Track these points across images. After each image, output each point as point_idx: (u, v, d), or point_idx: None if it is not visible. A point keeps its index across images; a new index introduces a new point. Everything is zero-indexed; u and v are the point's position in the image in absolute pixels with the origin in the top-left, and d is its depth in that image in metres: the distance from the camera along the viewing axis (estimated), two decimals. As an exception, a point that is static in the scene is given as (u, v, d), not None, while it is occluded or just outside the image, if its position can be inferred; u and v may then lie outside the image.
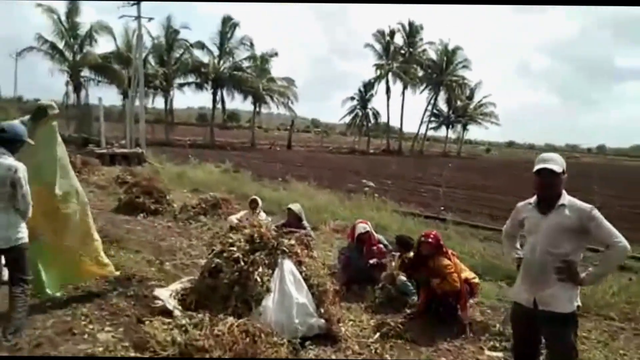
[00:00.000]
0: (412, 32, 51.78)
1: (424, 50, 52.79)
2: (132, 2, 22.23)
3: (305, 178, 15.48)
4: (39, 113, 4.51)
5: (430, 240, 4.95)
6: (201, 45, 40.13)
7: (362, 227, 6.09)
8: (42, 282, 4.68)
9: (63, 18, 33.33)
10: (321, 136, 65.58)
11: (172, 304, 4.41)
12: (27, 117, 4.51)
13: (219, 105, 43.58)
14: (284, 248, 4.34)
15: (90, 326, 4.41)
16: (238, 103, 47.17)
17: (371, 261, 5.86)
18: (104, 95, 43.29)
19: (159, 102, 42.10)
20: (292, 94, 45.04)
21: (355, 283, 5.81)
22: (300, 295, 4.21)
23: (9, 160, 3.71)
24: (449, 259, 4.96)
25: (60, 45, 33.74)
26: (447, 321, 4.94)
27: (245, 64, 42.32)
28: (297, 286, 4.25)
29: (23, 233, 3.88)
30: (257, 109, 45.19)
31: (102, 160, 17.38)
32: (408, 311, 5.11)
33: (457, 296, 4.87)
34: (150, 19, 25.89)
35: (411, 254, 5.36)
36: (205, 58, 40.94)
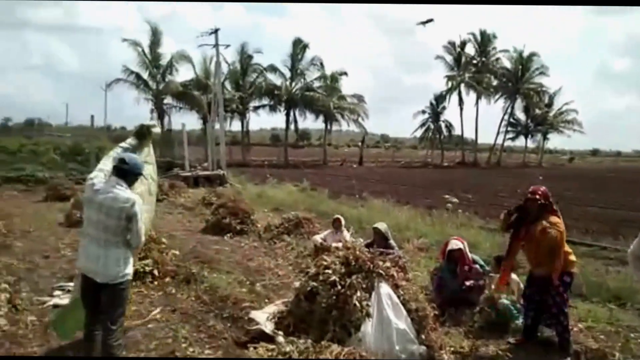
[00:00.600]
0: (484, 41, 50.29)
1: (498, 58, 51.03)
2: (210, 31, 23.40)
3: (381, 194, 15.30)
4: (142, 133, 4.45)
5: (537, 196, 4.45)
6: (274, 69, 41.35)
7: (455, 243, 5.81)
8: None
9: (147, 50, 35.75)
10: (392, 151, 64.92)
11: (269, 327, 4.42)
12: (129, 139, 4.38)
13: (291, 125, 44.52)
14: (380, 271, 4.22)
15: (191, 349, 4.51)
16: (308, 122, 47.86)
17: (467, 283, 5.58)
18: (184, 120, 45.52)
19: (235, 125, 43.77)
20: (362, 110, 45.14)
21: (451, 306, 5.55)
22: (399, 321, 4.06)
23: (127, 192, 3.55)
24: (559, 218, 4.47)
25: (145, 75, 36.17)
26: (557, 347, 4.58)
27: (316, 83, 43.03)
28: (396, 311, 4.11)
29: (130, 269, 3.70)
30: (329, 127, 45.67)
31: (187, 183, 18.17)
32: (512, 340, 4.79)
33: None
34: (227, 46, 27.12)
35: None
36: (278, 80, 42.14)
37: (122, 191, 3.53)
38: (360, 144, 54.44)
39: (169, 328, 4.95)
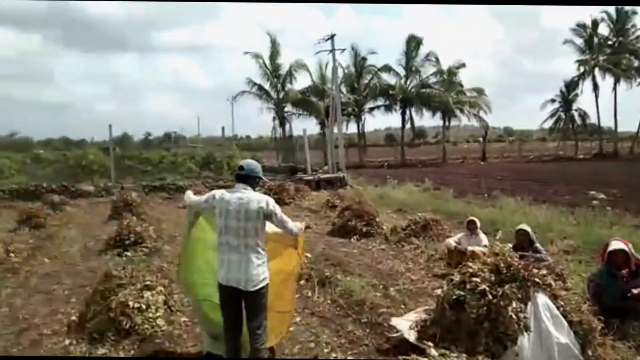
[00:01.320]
0: (621, 19, 44.93)
1: (638, 37, 45.30)
2: (326, 37, 23.89)
3: (512, 192, 14.27)
4: None
5: None
6: (388, 68, 41.01)
7: (617, 244, 5.12)
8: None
9: (267, 62, 37.53)
10: (518, 144, 60.81)
11: (412, 336, 4.25)
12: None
13: (406, 124, 43.76)
14: (536, 279, 3.83)
15: (334, 354, 4.51)
16: (424, 120, 46.71)
17: (635, 291, 4.88)
18: (304, 126, 46.93)
19: (350, 128, 44.17)
20: (483, 103, 42.92)
21: (614, 316, 4.90)
22: (560, 334, 3.66)
23: (254, 194, 3.72)
24: None
25: (266, 86, 38.00)
26: None
27: (432, 79, 41.86)
28: (556, 323, 3.71)
29: (267, 273, 3.73)
30: (447, 123, 44.13)
31: (310, 186, 18.65)
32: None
33: None
34: (342, 51, 27.40)
35: None
36: (392, 80, 41.72)
37: (250, 193, 3.70)
38: (481, 139, 51.80)
39: (309, 332, 5.01)
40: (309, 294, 6.24)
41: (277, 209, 3.74)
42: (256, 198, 3.68)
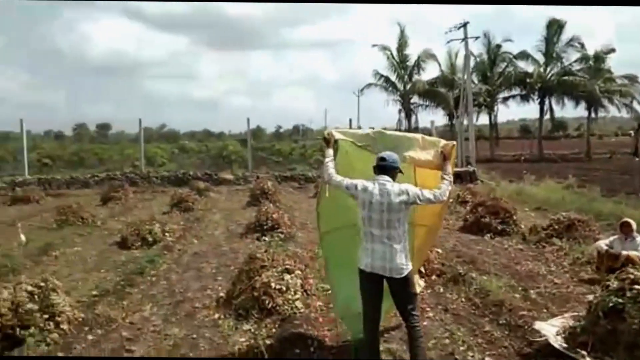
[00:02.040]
0: None
1: None
2: (458, 25, 23.01)
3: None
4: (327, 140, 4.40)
5: None
6: (525, 55, 38.21)
7: None
8: None
9: (395, 53, 37.21)
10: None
11: (559, 342, 3.97)
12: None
13: (544, 115, 40.44)
14: None
15: (470, 353, 4.39)
16: (565, 110, 42.63)
17: None
18: (430, 117, 45.85)
19: (481, 119, 42.09)
20: (637, 92, 38.04)
21: None
22: None
23: (396, 185, 3.72)
24: None
25: (393, 77, 37.72)
26: None
27: (576, 66, 38.12)
28: None
29: (410, 262, 3.80)
30: (593, 115, 39.93)
31: (438, 180, 18.15)
32: None
33: None
34: (476, 38, 26.17)
35: None
36: (529, 68, 38.80)
37: (390, 186, 3.71)
38: (632, 132, 46.03)
39: (444, 328, 4.93)
40: (441, 290, 6.13)
41: (418, 191, 3.71)
42: (397, 190, 3.69)
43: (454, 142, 4.24)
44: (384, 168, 3.80)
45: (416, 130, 38.11)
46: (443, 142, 4.20)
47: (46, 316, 4.71)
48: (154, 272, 7.28)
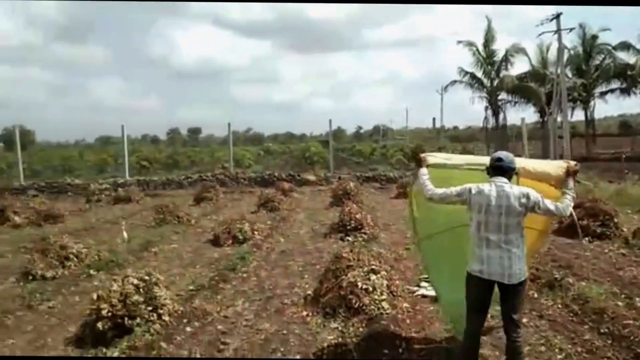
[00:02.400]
0: None
1: None
2: (551, 17, 21.74)
3: None
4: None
5: None
6: (626, 46, 35.13)
7: None
8: None
9: (481, 49, 35.85)
10: None
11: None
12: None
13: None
14: None
15: (569, 363, 4.17)
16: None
17: None
18: (519, 114, 43.70)
19: (576, 115, 39.37)
20: None
21: None
22: None
23: (514, 188, 3.57)
24: None
25: (479, 74, 36.32)
26: None
27: (685, 56, 34.49)
28: None
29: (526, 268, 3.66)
30: None
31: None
32: None
33: None
34: (570, 30, 24.55)
35: None
36: (631, 59, 35.65)
37: (512, 188, 3.55)
38: None
39: (539, 335, 4.72)
40: (535, 296, 5.86)
41: (539, 198, 3.55)
42: (517, 192, 3.53)
43: (578, 164, 3.99)
44: (501, 169, 3.62)
45: (504, 128, 36.54)
46: (564, 162, 4.00)
47: (150, 308, 5.10)
48: (244, 269, 7.60)
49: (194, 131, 56.34)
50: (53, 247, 7.71)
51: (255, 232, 9.92)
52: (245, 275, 7.35)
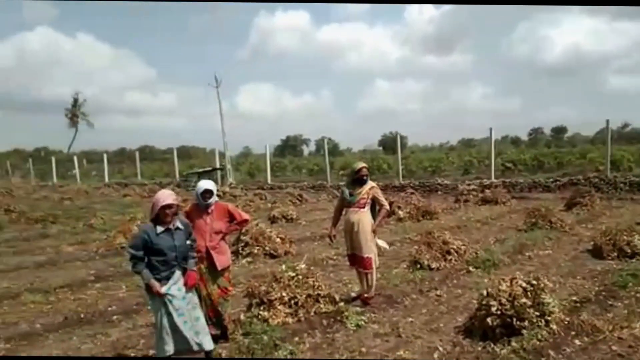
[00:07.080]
0: None
1: None
2: None
3: None
4: None
5: None
6: None
7: None
8: None
9: None
10: None
11: None
12: None
13: None
14: None
15: None
16: None
17: None
18: None
19: None
20: None
21: None
22: None
23: None
24: None
25: None
26: None
27: None
28: None
29: None
30: None
31: None
32: None
33: None
34: None
35: None
36: None
37: None
38: None
39: None
40: None
41: None
42: None
43: None
44: None
45: None
46: None
47: (537, 313, 5.07)
48: (638, 288, 6.67)
49: (559, 130, 52.37)
50: (437, 241, 8.58)
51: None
52: (639, 294, 6.44)
